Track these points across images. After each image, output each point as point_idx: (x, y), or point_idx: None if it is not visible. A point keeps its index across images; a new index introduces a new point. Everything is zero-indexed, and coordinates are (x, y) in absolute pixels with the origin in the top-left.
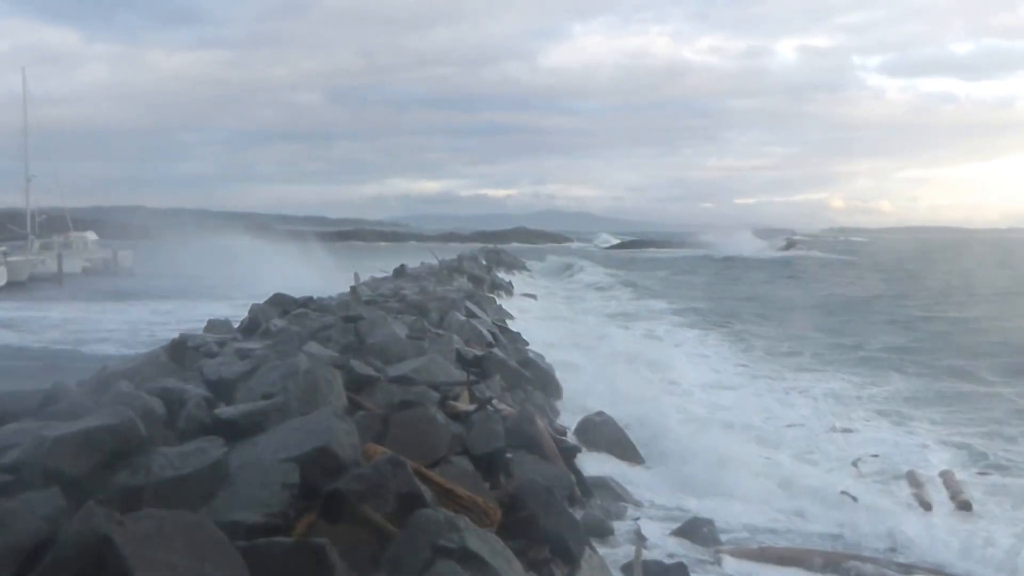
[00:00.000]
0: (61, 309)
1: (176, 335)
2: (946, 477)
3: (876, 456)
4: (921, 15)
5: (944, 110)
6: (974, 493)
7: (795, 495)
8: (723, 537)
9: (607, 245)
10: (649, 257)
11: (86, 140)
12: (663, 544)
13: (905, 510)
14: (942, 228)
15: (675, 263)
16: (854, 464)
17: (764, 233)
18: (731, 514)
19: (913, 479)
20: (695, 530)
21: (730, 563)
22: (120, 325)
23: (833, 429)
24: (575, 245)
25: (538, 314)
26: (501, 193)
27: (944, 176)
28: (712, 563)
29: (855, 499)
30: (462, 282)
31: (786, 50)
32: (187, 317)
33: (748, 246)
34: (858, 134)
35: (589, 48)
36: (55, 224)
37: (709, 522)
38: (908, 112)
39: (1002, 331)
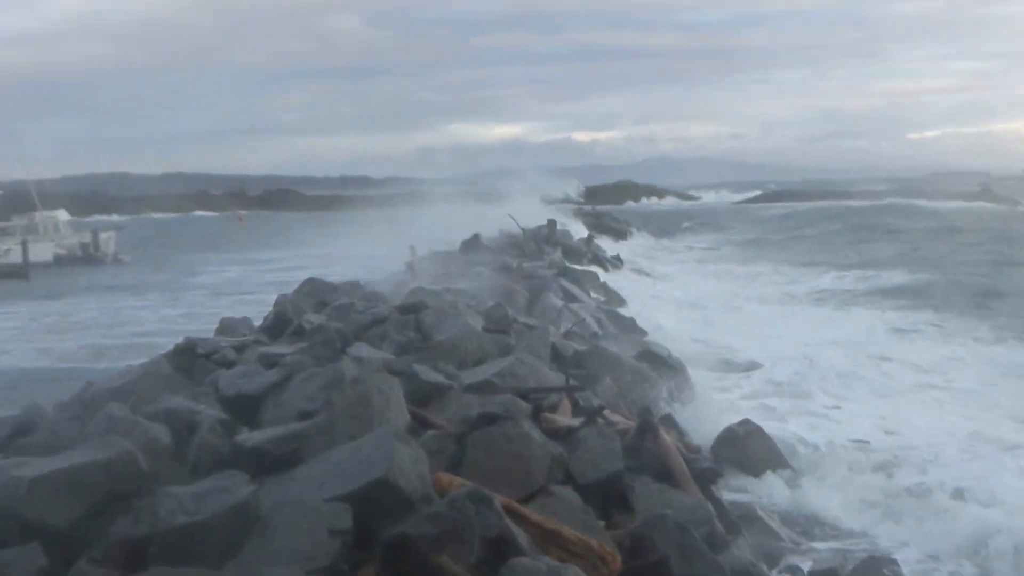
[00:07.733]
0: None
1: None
2: None
3: None
4: None
5: None
6: None
7: None
8: None
9: (740, 199)
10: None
11: (54, 91)
12: None
13: None
14: None
15: None
16: None
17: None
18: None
19: None
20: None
21: None
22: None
23: None
24: (701, 202)
25: (661, 295)
26: (593, 137)
27: None
28: None
29: None
30: (555, 256)
31: None
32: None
33: None
34: None
35: None
36: (18, 202)
37: (892, 562)
38: None
39: None
